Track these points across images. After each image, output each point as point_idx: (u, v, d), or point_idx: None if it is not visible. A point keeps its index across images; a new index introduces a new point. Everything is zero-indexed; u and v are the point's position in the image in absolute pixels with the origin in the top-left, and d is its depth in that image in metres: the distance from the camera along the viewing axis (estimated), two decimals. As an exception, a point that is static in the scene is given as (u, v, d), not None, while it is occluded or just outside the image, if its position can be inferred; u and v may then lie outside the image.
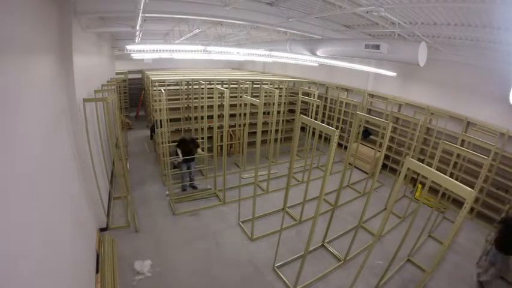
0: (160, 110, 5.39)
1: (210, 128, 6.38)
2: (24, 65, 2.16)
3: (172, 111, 7.63)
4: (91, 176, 4.12)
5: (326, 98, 8.96)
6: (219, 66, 15.42)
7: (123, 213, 5.12)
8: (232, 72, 12.56)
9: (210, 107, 6.09)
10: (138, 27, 3.97)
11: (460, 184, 2.16)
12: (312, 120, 3.30)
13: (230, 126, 7.77)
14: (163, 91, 5.08)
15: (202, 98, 6.73)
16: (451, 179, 2.26)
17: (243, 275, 4.05)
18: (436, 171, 2.37)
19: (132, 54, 9.46)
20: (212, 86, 6.23)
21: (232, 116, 7.61)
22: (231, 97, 6.89)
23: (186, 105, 7.87)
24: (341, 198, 5.05)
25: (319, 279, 4.03)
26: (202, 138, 6.67)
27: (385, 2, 3.67)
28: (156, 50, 4.59)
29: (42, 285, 1.96)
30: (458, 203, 6.16)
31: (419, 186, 6.42)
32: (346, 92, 9.05)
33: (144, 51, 5.74)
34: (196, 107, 7.49)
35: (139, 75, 13.41)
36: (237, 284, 3.91)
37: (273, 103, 5.75)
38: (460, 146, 5.10)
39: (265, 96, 7.62)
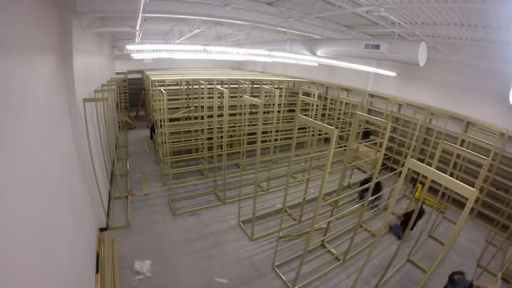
0: (160, 109, 5.38)
1: (210, 128, 6.39)
2: (24, 65, 2.16)
3: (171, 110, 7.61)
4: (91, 176, 4.11)
5: (326, 98, 8.96)
6: (219, 66, 15.41)
7: (123, 213, 5.12)
8: (232, 72, 12.55)
9: (210, 107, 6.08)
10: (138, 27, 3.97)
11: (463, 184, 2.16)
12: (312, 120, 3.30)
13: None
14: (163, 91, 5.08)
15: (202, 98, 6.72)
16: (454, 179, 2.26)
17: (242, 275, 4.05)
18: (439, 172, 2.37)
19: (132, 54, 9.46)
20: (212, 86, 6.22)
21: (232, 115, 7.60)
22: (231, 97, 6.88)
23: (186, 105, 7.86)
24: (341, 198, 5.04)
25: (318, 279, 4.03)
26: (203, 138, 6.66)
27: (385, 2, 3.67)
28: (156, 50, 4.59)
29: (42, 285, 1.96)
30: (458, 203, 6.16)
31: (419, 186, 6.41)
32: (346, 92, 9.05)
33: (144, 51, 5.74)
34: (196, 107, 7.47)
35: (139, 75, 13.41)
36: (236, 283, 3.91)
37: (273, 103, 5.75)
38: (460, 146, 5.10)
39: (265, 96, 7.61)
